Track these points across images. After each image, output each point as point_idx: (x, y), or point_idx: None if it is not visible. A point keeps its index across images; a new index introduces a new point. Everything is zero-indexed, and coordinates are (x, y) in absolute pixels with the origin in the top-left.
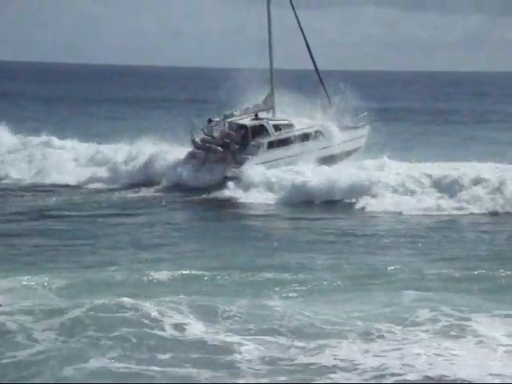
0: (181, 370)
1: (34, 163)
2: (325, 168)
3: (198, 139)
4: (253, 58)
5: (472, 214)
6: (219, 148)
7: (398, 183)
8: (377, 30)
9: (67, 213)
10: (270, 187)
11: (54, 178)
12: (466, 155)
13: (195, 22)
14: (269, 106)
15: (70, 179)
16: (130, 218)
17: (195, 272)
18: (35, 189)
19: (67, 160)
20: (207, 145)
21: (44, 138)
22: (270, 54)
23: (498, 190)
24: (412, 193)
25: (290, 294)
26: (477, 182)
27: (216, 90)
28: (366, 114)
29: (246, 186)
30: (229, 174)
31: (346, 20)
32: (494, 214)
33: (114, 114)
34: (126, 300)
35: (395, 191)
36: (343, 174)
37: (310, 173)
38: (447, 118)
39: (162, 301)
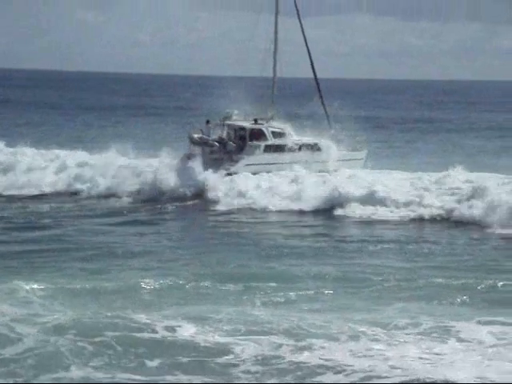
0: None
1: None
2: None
3: (196, 136)
4: (254, 66)
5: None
6: (216, 143)
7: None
8: (371, 39)
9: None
10: (254, 195)
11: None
12: (449, 162)
13: (194, 31)
14: (269, 115)
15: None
16: (119, 226)
17: (181, 281)
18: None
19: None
20: (204, 141)
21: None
22: (274, 65)
23: (474, 198)
24: (392, 202)
25: (276, 300)
26: (453, 191)
27: (214, 98)
28: (364, 137)
29: (233, 194)
30: (224, 170)
31: (340, 28)
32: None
33: (104, 121)
34: (114, 307)
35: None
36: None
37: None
38: (438, 125)
39: (150, 308)
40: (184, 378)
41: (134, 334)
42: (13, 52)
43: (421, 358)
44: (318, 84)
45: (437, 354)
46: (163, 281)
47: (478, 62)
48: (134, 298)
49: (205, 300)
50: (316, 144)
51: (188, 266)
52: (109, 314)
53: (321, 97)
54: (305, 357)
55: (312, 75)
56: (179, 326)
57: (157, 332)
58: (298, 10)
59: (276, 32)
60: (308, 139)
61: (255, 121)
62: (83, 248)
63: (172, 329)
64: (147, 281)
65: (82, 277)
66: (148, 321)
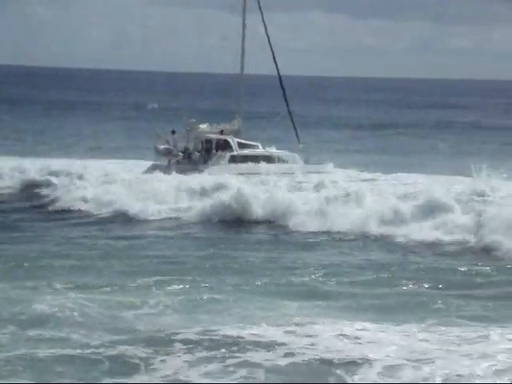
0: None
1: None
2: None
3: (161, 147)
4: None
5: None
6: (180, 153)
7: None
8: (325, 37)
9: None
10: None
11: None
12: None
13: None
14: (235, 128)
15: None
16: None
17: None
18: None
19: None
20: (169, 151)
21: None
22: (242, 62)
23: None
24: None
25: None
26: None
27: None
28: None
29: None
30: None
31: (293, 25)
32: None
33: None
34: None
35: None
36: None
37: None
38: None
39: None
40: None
41: None
42: None
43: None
44: (285, 97)
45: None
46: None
47: (429, 61)
48: None
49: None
50: (281, 156)
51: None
52: None
53: (289, 112)
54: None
55: (276, 73)
56: None
57: None
58: (261, 10)
59: (244, 28)
60: (274, 151)
61: (221, 132)
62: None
63: None
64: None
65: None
66: None
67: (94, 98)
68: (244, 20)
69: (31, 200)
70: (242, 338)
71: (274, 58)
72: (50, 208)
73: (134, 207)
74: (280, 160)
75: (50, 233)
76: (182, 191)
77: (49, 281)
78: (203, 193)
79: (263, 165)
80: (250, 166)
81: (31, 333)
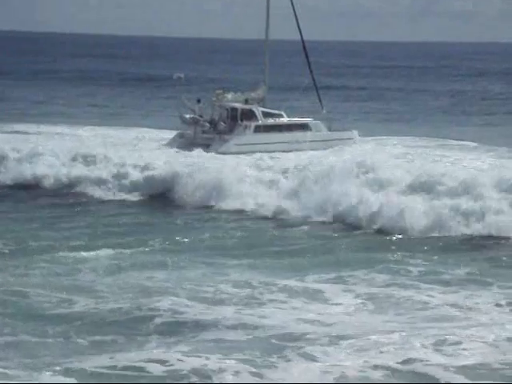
0: None
1: None
2: None
3: (187, 116)
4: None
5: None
6: (207, 123)
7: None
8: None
9: None
10: None
11: None
12: None
13: None
14: (260, 96)
15: None
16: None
17: None
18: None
19: None
20: (195, 121)
21: None
22: (267, 28)
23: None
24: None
25: None
26: None
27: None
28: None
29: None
30: (214, 149)
31: None
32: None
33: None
34: None
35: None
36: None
37: None
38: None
39: None
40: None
41: None
42: None
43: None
44: (310, 66)
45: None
46: None
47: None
48: None
49: None
50: (306, 124)
51: None
52: None
53: (313, 79)
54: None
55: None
56: None
57: None
58: None
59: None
60: (298, 119)
61: (246, 101)
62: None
63: None
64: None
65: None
66: None
67: (124, 67)
68: None
69: None
70: None
71: (297, 24)
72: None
73: None
74: (306, 128)
75: None
76: None
77: None
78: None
79: (290, 135)
80: (274, 136)
81: None
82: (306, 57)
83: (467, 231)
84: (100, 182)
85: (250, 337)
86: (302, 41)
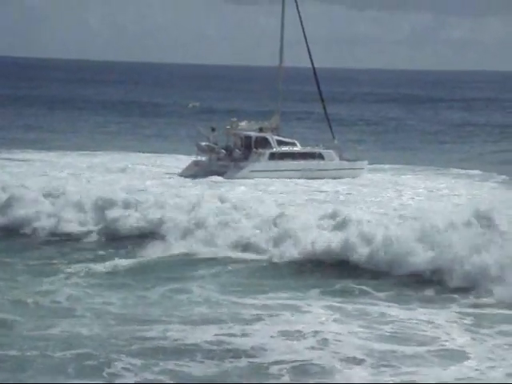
0: None
1: None
2: None
3: (202, 144)
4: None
5: None
6: (222, 150)
7: None
8: (322, 28)
9: None
10: None
11: None
12: None
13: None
14: (273, 125)
15: None
16: None
17: None
18: None
19: None
20: (211, 149)
21: None
22: (281, 52)
23: None
24: None
25: None
26: None
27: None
28: (361, 148)
29: None
30: (229, 176)
31: (290, 16)
32: None
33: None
34: None
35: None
36: None
37: None
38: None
39: None
40: None
41: None
42: None
43: None
44: (321, 95)
45: None
46: None
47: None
48: None
49: None
50: (319, 153)
51: None
52: None
53: (324, 109)
54: None
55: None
56: None
57: None
58: (296, 2)
59: (283, 17)
60: (311, 148)
61: (260, 129)
62: None
63: None
64: None
65: None
66: None
67: (139, 96)
68: (283, 10)
69: None
70: None
71: (308, 51)
72: None
73: None
74: (318, 156)
75: None
76: None
77: None
78: None
79: (303, 163)
80: (288, 164)
81: None
82: (318, 87)
83: None
84: None
85: None
86: (314, 72)
